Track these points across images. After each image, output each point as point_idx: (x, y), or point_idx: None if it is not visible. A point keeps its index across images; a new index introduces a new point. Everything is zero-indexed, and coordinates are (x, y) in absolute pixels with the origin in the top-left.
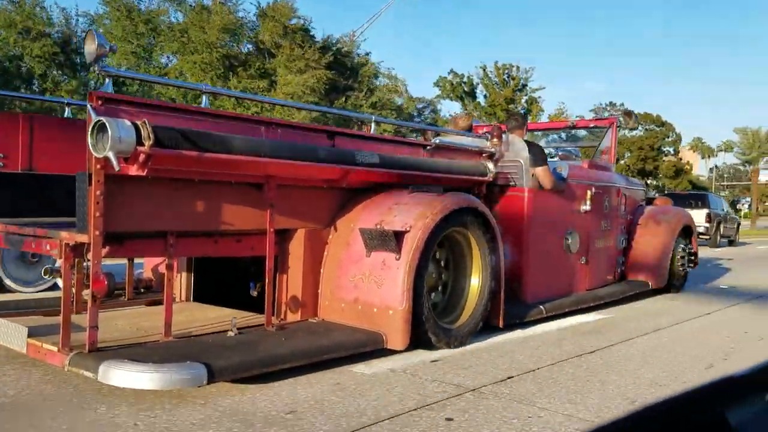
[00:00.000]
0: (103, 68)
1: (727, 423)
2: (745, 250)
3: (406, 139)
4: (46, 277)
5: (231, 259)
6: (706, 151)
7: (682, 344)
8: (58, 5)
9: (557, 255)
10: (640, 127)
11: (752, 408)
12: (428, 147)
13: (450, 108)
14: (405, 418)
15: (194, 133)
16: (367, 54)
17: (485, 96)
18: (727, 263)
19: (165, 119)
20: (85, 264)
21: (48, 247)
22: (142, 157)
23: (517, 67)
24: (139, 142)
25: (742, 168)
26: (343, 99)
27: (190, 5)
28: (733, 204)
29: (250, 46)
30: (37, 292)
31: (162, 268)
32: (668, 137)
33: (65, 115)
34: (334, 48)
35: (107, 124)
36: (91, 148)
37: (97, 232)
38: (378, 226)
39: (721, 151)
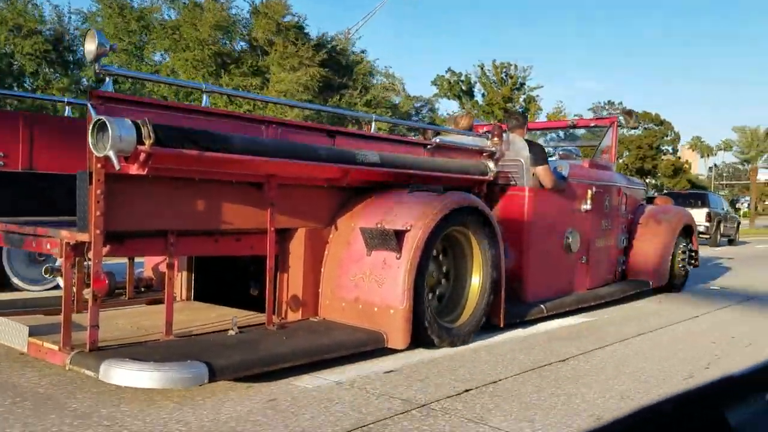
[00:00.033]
0: (104, 67)
1: (726, 423)
2: (745, 250)
3: (406, 138)
4: (47, 276)
5: (231, 258)
6: (705, 150)
7: (663, 351)
8: (51, 2)
9: (558, 254)
10: (639, 126)
11: (752, 408)
12: (429, 146)
13: (448, 107)
14: None
15: (195, 132)
16: (363, 52)
17: (483, 95)
18: (727, 262)
19: (165, 118)
20: (85, 263)
21: (49, 246)
22: (142, 156)
23: (515, 66)
24: (140, 141)
25: (741, 167)
26: (338, 97)
27: (183, 2)
28: (733, 203)
29: (243, 43)
30: (44, 290)
31: (162, 267)
32: (667, 136)
33: (65, 113)
34: (329, 46)
35: (108, 123)
36: (91, 147)
37: (98, 231)
38: (379, 226)
39: (721, 150)
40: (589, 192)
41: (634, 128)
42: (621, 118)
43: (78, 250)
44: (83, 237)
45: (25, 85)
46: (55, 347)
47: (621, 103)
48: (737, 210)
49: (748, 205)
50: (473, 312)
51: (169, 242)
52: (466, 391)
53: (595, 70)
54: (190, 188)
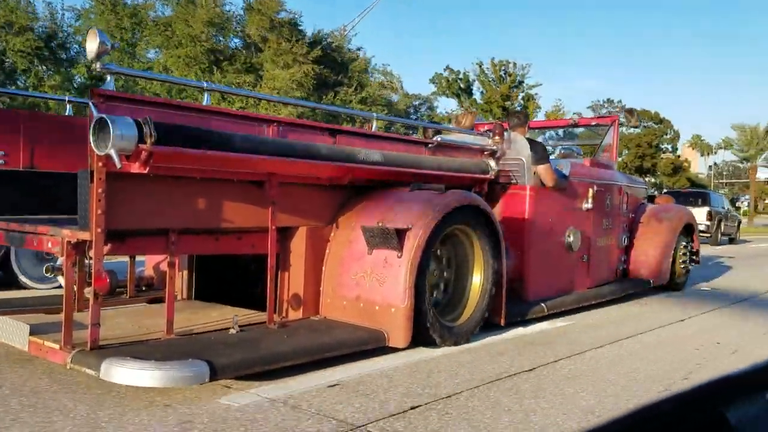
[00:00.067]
0: (105, 66)
1: (726, 422)
2: (746, 248)
3: (408, 137)
4: (48, 275)
5: (232, 256)
6: (705, 149)
7: (639, 360)
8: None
9: (559, 253)
10: (640, 125)
11: (752, 407)
12: (430, 145)
13: (446, 105)
14: None
15: (196, 130)
16: (359, 49)
17: (481, 93)
18: (727, 261)
19: (166, 116)
20: (86, 261)
21: (50, 245)
22: (143, 154)
23: (514, 64)
24: (141, 139)
25: (741, 165)
26: (332, 94)
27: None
28: (733, 201)
29: (237, 40)
30: (52, 288)
31: (163, 266)
32: (666, 134)
33: (66, 112)
34: (324, 42)
35: (109, 122)
36: (92, 145)
37: (99, 230)
38: (380, 224)
39: (721, 148)
40: (591, 191)
41: (635, 127)
42: (622, 117)
43: (79, 248)
44: (84, 235)
45: (18, 82)
46: (56, 346)
47: (620, 102)
48: (738, 209)
49: (749, 203)
50: (474, 311)
51: (170, 241)
52: (413, 408)
53: (594, 69)
54: (191, 187)
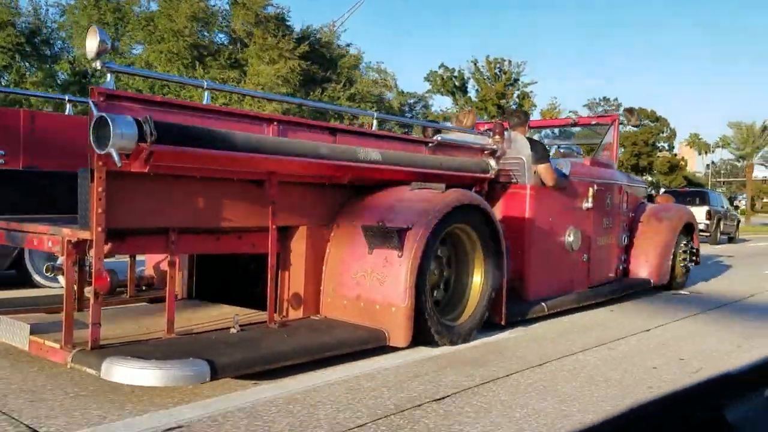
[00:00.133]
0: (106, 64)
1: (724, 420)
2: (745, 247)
3: (408, 136)
4: (48, 274)
5: (233, 256)
6: (703, 147)
7: (588, 378)
8: None
9: (559, 252)
10: (640, 124)
11: (750, 405)
12: (430, 144)
13: (441, 103)
14: None
15: (196, 129)
16: (348, 45)
17: (477, 91)
18: (727, 260)
19: (167, 115)
20: (87, 261)
21: (50, 244)
22: (144, 153)
23: (509, 62)
24: (141, 138)
25: (738, 164)
26: (320, 90)
27: None
28: (731, 200)
29: (222, 35)
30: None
31: (164, 266)
32: (662, 133)
33: (66, 111)
34: (312, 38)
35: (109, 120)
36: (92, 144)
37: (100, 229)
38: (380, 224)
39: (718, 147)
40: (591, 190)
41: (636, 126)
42: (622, 116)
43: (80, 247)
44: (85, 234)
45: (1, 79)
46: (57, 345)
47: (616, 100)
48: (736, 208)
49: (746, 202)
50: (475, 310)
51: (171, 240)
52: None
53: (590, 67)
54: (192, 186)
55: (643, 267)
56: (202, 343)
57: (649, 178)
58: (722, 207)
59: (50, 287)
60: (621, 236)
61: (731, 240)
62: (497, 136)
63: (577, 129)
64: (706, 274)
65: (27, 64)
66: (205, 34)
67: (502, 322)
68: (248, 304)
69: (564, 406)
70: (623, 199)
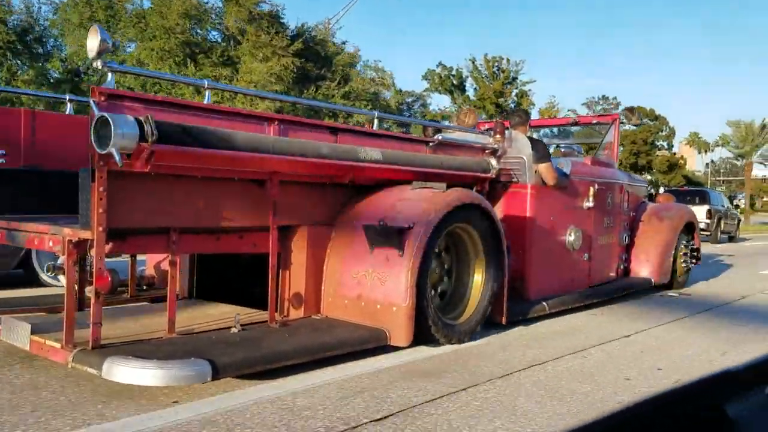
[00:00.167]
0: (107, 63)
1: (726, 416)
2: (745, 247)
3: (409, 135)
4: (49, 274)
5: (233, 255)
6: (703, 146)
7: (552, 392)
8: None
9: (560, 252)
10: (641, 123)
11: (751, 401)
12: (431, 143)
13: (439, 101)
14: None
15: (197, 129)
16: (344, 43)
17: (475, 89)
18: (727, 259)
19: (167, 115)
20: (88, 260)
21: (51, 244)
22: (145, 153)
23: (507, 60)
24: (142, 137)
25: (737, 162)
26: (314, 88)
27: None
28: (731, 199)
29: (216, 33)
30: None
31: (164, 265)
32: (662, 131)
33: (67, 111)
34: (307, 35)
35: (110, 120)
36: (94, 144)
37: (101, 228)
38: (381, 223)
39: (718, 146)
40: (592, 189)
41: (636, 125)
42: (623, 115)
43: (81, 247)
44: (86, 234)
45: None
46: (58, 345)
47: (615, 98)
48: (737, 207)
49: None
50: (476, 309)
51: (172, 240)
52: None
53: (590, 67)
54: (193, 185)
55: (644, 266)
56: (203, 343)
57: (648, 177)
58: (723, 206)
59: (57, 286)
60: (622, 235)
61: (732, 239)
62: (498, 136)
63: (575, 128)
64: (702, 274)
65: (19, 62)
66: (198, 31)
67: (503, 322)
68: (249, 304)
69: (517, 426)
70: (624, 199)
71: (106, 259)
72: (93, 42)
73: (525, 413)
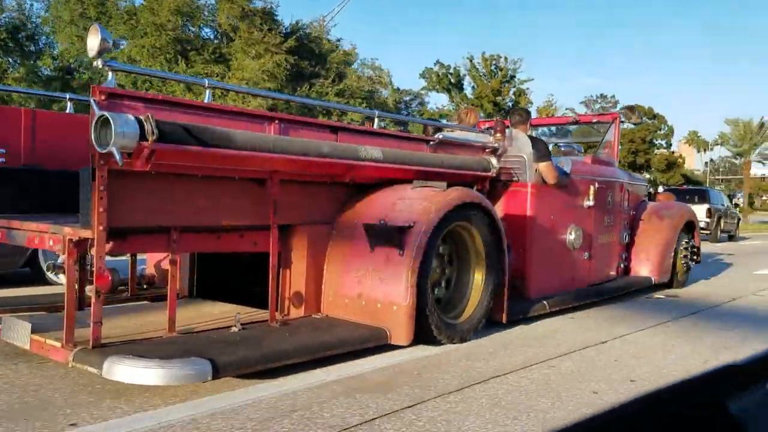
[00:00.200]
0: (107, 63)
1: (727, 411)
2: (745, 245)
3: (409, 134)
4: (50, 273)
5: (234, 254)
6: (702, 145)
7: (508, 408)
8: None
9: (560, 250)
10: (641, 122)
11: (753, 396)
12: (431, 142)
13: (437, 100)
14: None
15: (198, 128)
16: (338, 40)
17: (473, 88)
18: (727, 258)
19: (167, 114)
20: (88, 259)
21: (51, 243)
22: (145, 152)
23: (505, 58)
24: (143, 137)
25: (736, 161)
26: (307, 86)
27: None
28: (730, 198)
29: (208, 30)
30: None
31: (165, 264)
32: (660, 130)
33: (68, 110)
34: (301, 32)
35: (111, 119)
36: (94, 143)
37: (101, 228)
38: (382, 222)
39: (717, 144)
40: (592, 188)
41: (637, 124)
42: (623, 114)
43: (81, 246)
44: (86, 233)
45: None
46: (58, 344)
47: (614, 97)
48: (736, 206)
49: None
50: (476, 308)
51: (172, 239)
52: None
53: (590, 66)
54: (193, 184)
55: (644, 265)
56: (203, 342)
57: (647, 176)
58: (722, 205)
59: (64, 285)
60: (622, 234)
61: (732, 238)
62: (498, 134)
63: (574, 127)
64: (701, 273)
65: (10, 59)
66: (191, 28)
67: (504, 321)
68: (249, 303)
69: None
70: (624, 197)
71: (107, 258)
72: (93, 41)
73: None
